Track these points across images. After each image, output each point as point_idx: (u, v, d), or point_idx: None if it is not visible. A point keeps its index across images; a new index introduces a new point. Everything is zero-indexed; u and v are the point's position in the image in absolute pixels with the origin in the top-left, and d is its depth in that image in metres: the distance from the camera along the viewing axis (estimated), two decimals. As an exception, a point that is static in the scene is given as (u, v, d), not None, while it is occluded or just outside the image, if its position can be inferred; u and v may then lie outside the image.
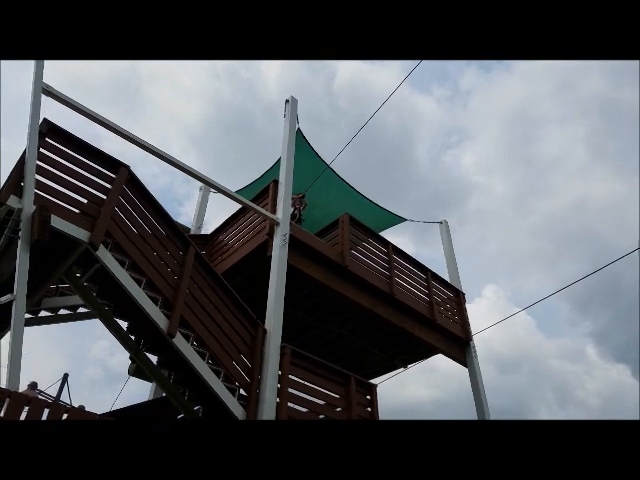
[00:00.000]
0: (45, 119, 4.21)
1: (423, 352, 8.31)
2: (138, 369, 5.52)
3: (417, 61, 6.21)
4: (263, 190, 6.86)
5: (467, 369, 8.22)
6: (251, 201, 6.62)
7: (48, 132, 4.22)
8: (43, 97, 4.23)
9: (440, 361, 9.03)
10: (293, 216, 7.67)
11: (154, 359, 5.23)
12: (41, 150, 4.15)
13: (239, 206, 6.79)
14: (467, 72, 30.61)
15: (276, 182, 6.63)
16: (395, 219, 10.22)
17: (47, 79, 4.34)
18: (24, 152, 4.06)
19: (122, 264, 4.44)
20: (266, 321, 5.52)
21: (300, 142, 7.75)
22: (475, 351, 8.37)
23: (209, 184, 5.87)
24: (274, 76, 25.74)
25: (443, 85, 31.14)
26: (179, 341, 4.64)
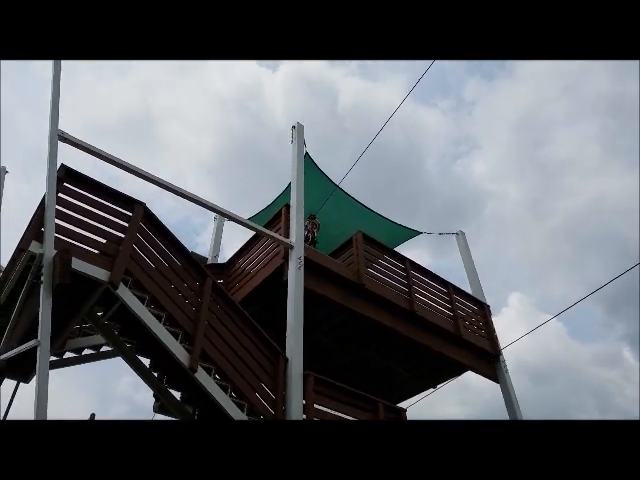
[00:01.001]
0: (62, 165, 4.45)
1: (452, 370, 8.25)
2: (163, 406, 5.63)
3: (419, 75, 6.38)
4: (275, 215, 7.03)
5: (499, 385, 8.13)
6: (264, 226, 6.80)
7: (65, 177, 4.46)
8: (60, 143, 4.47)
9: (472, 376, 8.92)
10: (306, 238, 7.81)
11: (178, 395, 5.35)
12: (60, 195, 4.38)
13: (254, 232, 6.95)
14: (469, 82, 30.78)
15: (288, 206, 6.79)
16: (410, 233, 10.28)
17: (61, 122, 4.58)
18: (43, 198, 4.28)
19: (142, 300, 4.60)
20: (286, 348, 5.60)
21: (309, 165, 7.95)
22: (505, 365, 8.26)
23: (222, 214, 6.05)
24: (280, 105, 26.33)
25: (447, 97, 31.35)
26: (201, 375, 4.75)
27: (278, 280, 6.23)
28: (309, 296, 6.09)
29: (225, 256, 9.08)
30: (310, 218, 8.46)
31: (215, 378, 4.93)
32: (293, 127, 7.31)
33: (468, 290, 9.02)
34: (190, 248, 8.12)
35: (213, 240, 9.25)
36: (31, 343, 4.03)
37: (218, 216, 9.38)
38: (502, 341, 8.50)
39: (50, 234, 4.17)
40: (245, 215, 8.84)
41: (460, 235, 10.12)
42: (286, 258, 6.22)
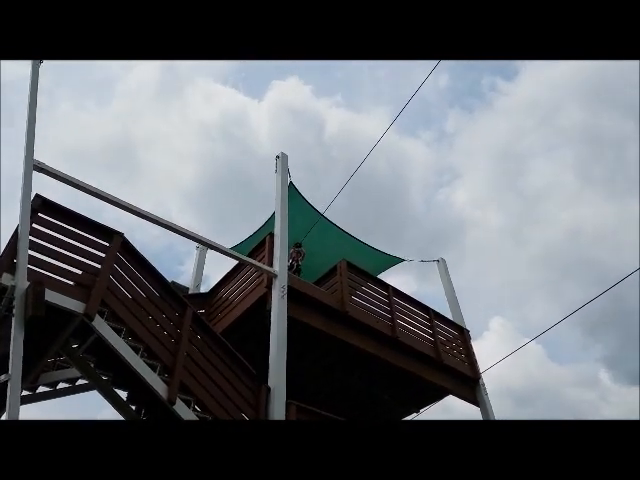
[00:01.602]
0: (37, 195, 4.19)
1: (433, 395, 8.00)
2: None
3: (402, 107, 6.30)
4: (259, 244, 6.80)
5: (479, 408, 7.89)
6: (248, 255, 6.56)
7: (40, 207, 4.20)
8: (35, 173, 4.22)
9: (456, 401, 8.71)
10: (291, 266, 7.58)
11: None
12: (34, 226, 4.11)
13: (237, 261, 6.70)
14: (451, 114, 31.42)
15: (272, 235, 6.58)
16: (393, 260, 10.12)
17: (41, 151, 4.33)
18: (16, 229, 4.01)
19: (119, 332, 4.30)
20: (269, 377, 5.31)
21: (293, 195, 7.79)
22: (485, 389, 8.04)
23: (203, 243, 5.81)
24: (266, 133, 26.34)
25: (429, 128, 31.88)
26: (180, 407, 4.43)
27: (261, 309, 5.97)
28: (293, 325, 5.85)
29: (209, 285, 8.79)
30: (295, 246, 8.25)
31: (195, 410, 4.61)
32: (277, 157, 7.17)
33: (449, 316, 8.83)
34: (173, 278, 7.87)
35: (195, 269, 8.93)
36: (1, 378, 3.72)
37: (200, 245, 9.11)
38: (484, 365, 8.31)
39: (23, 265, 3.88)
40: (229, 243, 8.64)
41: (441, 262, 9.98)
42: (269, 287, 5.98)
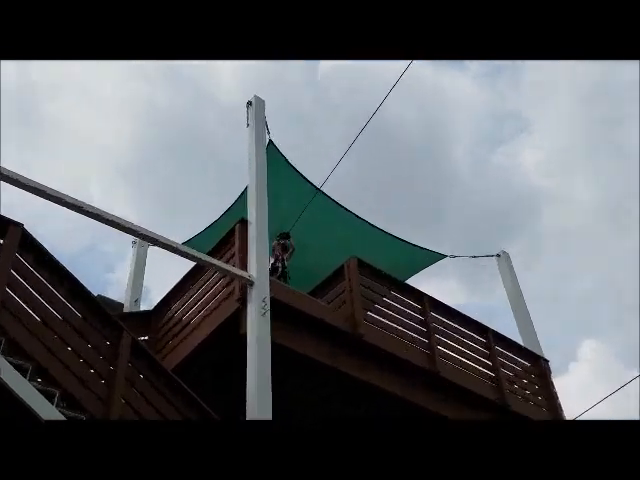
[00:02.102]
0: None
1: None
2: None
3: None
4: (226, 236, 6.95)
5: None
6: (209, 254, 6.68)
7: None
8: None
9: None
10: (274, 269, 7.76)
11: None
12: None
13: (193, 263, 6.85)
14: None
15: (244, 222, 6.72)
16: (429, 257, 10.32)
17: None
18: None
19: (23, 372, 4.46)
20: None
21: (274, 160, 7.94)
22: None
23: (142, 236, 5.96)
24: (229, 68, 25.94)
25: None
26: None
27: (233, 332, 6.10)
28: (279, 352, 5.95)
29: (152, 300, 8.95)
30: (280, 238, 8.43)
31: None
32: (249, 103, 7.32)
33: (517, 339, 9.05)
34: (97, 290, 7.99)
35: (132, 275, 9.11)
36: None
37: (138, 240, 9.24)
38: (569, 411, 8.52)
39: None
40: (181, 237, 8.80)
41: (503, 257, 10.20)
42: (243, 300, 6.12)
